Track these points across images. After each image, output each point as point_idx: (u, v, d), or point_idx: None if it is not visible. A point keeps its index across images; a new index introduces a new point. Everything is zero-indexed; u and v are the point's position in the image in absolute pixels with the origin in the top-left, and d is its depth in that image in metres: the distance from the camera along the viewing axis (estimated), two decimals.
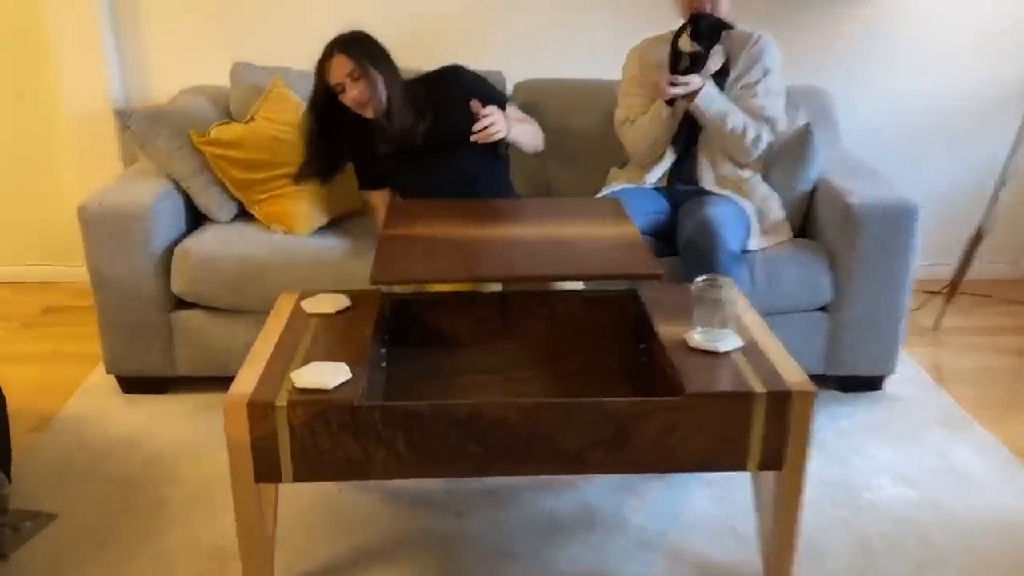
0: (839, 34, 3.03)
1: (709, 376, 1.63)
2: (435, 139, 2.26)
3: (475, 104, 2.18)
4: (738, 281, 2.20)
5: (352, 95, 2.16)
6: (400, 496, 2.02)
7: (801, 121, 2.61)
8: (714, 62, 2.36)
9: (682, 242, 2.28)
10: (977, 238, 2.86)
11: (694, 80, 2.31)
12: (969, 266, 2.88)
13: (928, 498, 2.02)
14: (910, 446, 2.23)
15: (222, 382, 2.41)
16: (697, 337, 1.73)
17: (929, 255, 3.19)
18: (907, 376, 2.56)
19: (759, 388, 1.58)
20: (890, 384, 2.51)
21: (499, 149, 2.38)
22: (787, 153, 2.48)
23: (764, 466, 1.63)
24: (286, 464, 1.58)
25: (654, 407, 1.58)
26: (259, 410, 1.54)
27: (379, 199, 2.40)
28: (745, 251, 2.35)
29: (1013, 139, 2.82)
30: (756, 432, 1.60)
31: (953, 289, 2.89)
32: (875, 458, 2.18)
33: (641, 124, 2.47)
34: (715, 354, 1.70)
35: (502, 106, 2.31)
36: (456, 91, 2.27)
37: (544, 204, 2.21)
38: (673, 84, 2.28)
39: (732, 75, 2.40)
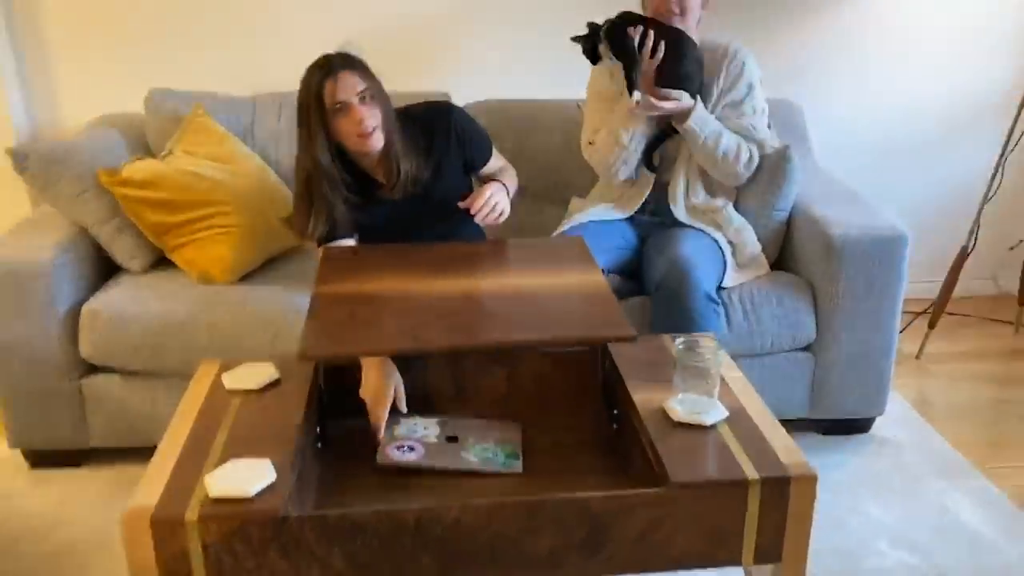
0: (807, 45, 2.84)
1: (695, 460, 1.41)
2: (428, 184, 1.97)
3: (470, 200, 1.95)
4: (713, 326, 2.00)
5: (359, 119, 1.81)
6: None
7: (775, 140, 2.41)
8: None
9: (653, 284, 2.06)
10: (961, 258, 2.69)
11: (684, 97, 2.10)
12: (953, 289, 2.71)
13: (934, 565, 1.83)
14: (908, 501, 2.04)
15: (142, 453, 2.15)
16: (679, 409, 1.51)
17: (911, 274, 3.01)
18: (896, 414, 2.38)
19: (752, 474, 1.37)
20: (880, 425, 2.32)
21: None
22: (762, 178, 2.27)
23: (760, 559, 1.42)
24: None
25: (634, 501, 1.36)
26: (165, 528, 1.29)
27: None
28: (720, 288, 2.14)
29: (994, 151, 2.66)
30: (751, 523, 1.39)
31: (938, 313, 2.72)
32: (871, 516, 1.99)
33: (603, 141, 2.22)
34: (700, 428, 1.49)
35: (489, 151, 2.08)
36: (451, 135, 1.99)
37: (498, 248, 1.98)
38: (661, 97, 2.07)
39: (715, 92, 2.19)
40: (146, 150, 2.45)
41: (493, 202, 1.94)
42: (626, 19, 2.11)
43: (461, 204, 1.95)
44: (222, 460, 1.40)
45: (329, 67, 1.82)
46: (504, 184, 2.04)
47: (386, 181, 1.95)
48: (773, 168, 2.24)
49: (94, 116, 2.60)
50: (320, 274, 1.79)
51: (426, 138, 1.97)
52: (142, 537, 1.29)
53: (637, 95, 2.08)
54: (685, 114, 2.11)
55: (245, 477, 1.34)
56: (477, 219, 1.94)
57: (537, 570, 1.38)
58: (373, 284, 1.73)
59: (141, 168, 2.21)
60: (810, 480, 1.37)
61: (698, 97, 2.13)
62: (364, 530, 1.32)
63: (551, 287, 1.71)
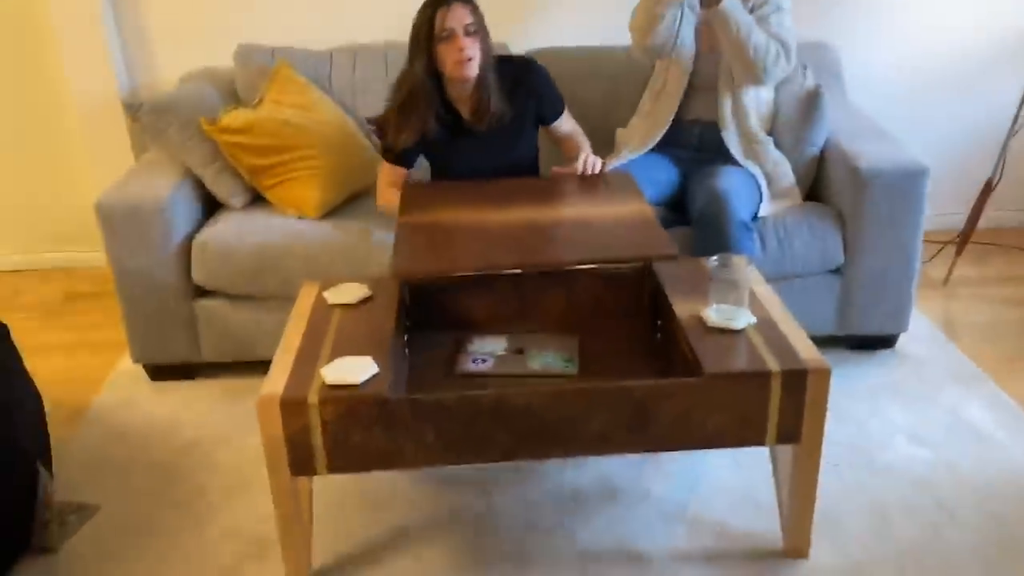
0: None
1: (726, 356, 1.67)
2: (504, 127, 2.24)
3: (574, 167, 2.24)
4: (748, 251, 2.23)
5: (460, 47, 2.07)
6: (429, 475, 2.09)
7: (809, 80, 2.60)
8: None
9: (694, 214, 2.30)
10: (987, 190, 2.87)
11: None
12: (979, 218, 2.89)
13: (943, 458, 2.08)
14: (924, 405, 2.28)
15: (247, 366, 2.50)
16: (713, 316, 1.77)
17: (940, 205, 3.19)
18: (920, 332, 2.60)
19: (775, 367, 1.62)
20: (903, 342, 2.54)
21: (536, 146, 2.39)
22: (796, 116, 2.47)
23: (781, 440, 1.68)
24: (320, 458, 1.64)
25: (673, 389, 1.62)
26: (292, 408, 1.59)
27: (392, 177, 2.33)
28: (756, 218, 2.37)
29: (1020, 87, 2.81)
30: (773, 408, 1.65)
31: (964, 241, 2.91)
32: (890, 418, 2.23)
33: (642, 7, 2.38)
34: (731, 332, 1.74)
35: (561, 110, 2.34)
36: (532, 88, 2.26)
37: (556, 183, 2.23)
38: None
39: (746, 7, 2.34)
40: (237, 100, 2.74)
41: (591, 161, 2.24)
42: None
43: (558, 169, 2.24)
44: (332, 357, 1.70)
45: None
46: (564, 119, 2.34)
47: (471, 115, 2.21)
48: (806, 106, 2.44)
49: (185, 71, 2.89)
50: (402, 207, 2.08)
51: (509, 84, 2.23)
52: (273, 416, 1.60)
53: None
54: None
55: (353, 369, 1.64)
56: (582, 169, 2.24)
57: (592, 446, 1.66)
58: (448, 214, 2.01)
59: (237, 116, 2.50)
60: (824, 373, 1.62)
61: None
62: (450, 411, 1.61)
63: (603, 215, 1.97)
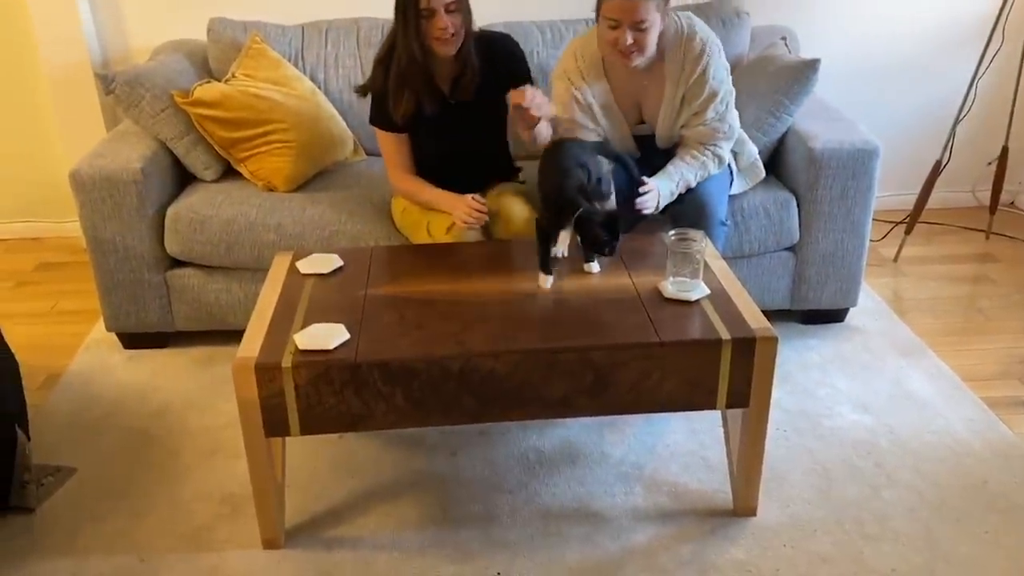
0: None
1: (681, 324, 1.76)
2: (481, 102, 2.29)
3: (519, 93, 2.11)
4: (722, 245, 2.27)
5: (442, 25, 2.11)
6: (398, 439, 2.17)
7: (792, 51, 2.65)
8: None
9: (672, 214, 2.28)
10: (936, 171, 2.99)
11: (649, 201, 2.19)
12: (928, 199, 3.01)
13: (884, 424, 2.20)
14: (869, 375, 2.40)
15: (219, 335, 2.56)
16: (670, 287, 1.86)
17: (891, 186, 3.32)
18: (869, 307, 2.71)
19: (725, 335, 1.72)
20: (853, 316, 2.66)
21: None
22: (783, 80, 2.48)
23: (732, 404, 1.78)
24: (293, 419, 1.71)
25: (631, 354, 1.71)
26: (266, 372, 1.66)
27: (394, 143, 2.33)
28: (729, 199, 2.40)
29: (969, 75, 2.92)
30: (724, 374, 1.75)
31: (913, 222, 3.03)
32: (837, 388, 2.34)
33: None
34: (686, 303, 1.83)
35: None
36: (506, 63, 2.30)
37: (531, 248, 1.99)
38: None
39: (677, 94, 2.26)
40: (209, 73, 2.77)
41: (538, 99, 2.11)
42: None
43: (512, 92, 2.12)
44: (305, 324, 1.77)
45: None
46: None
47: (450, 91, 2.26)
48: (797, 74, 2.47)
49: (158, 43, 2.91)
50: (372, 276, 1.98)
51: (486, 59, 2.27)
52: (248, 380, 1.67)
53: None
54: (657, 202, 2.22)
55: (325, 335, 1.71)
56: (528, 105, 2.09)
57: (553, 409, 1.75)
58: (419, 286, 1.92)
59: (210, 90, 2.53)
60: (771, 341, 1.72)
61: (655, 181, 2.22)
62: (419, 374, 1.69)
63: (585, 290, 1.91)
